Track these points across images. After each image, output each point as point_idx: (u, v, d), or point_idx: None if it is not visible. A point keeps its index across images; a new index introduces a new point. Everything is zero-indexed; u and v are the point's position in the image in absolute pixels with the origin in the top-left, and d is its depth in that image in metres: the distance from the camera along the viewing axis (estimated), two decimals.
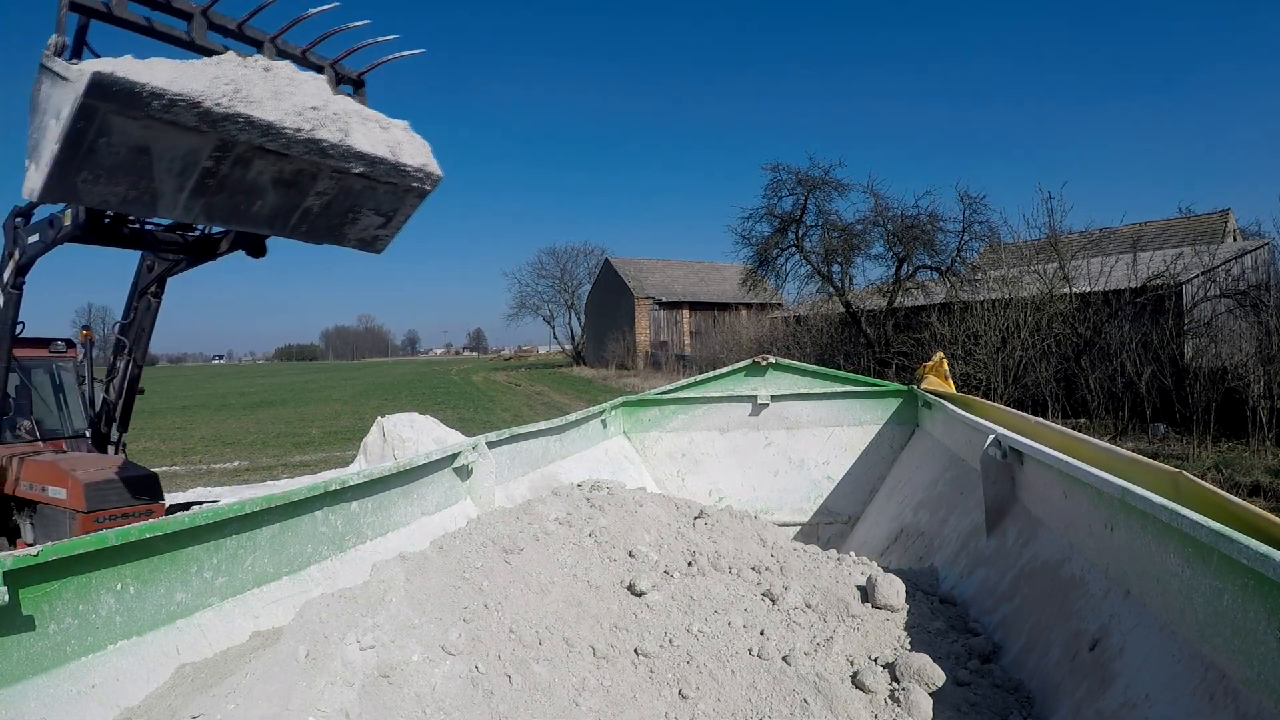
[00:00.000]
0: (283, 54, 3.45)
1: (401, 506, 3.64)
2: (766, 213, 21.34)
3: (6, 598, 2.00)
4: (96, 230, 4.22)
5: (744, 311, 36.69)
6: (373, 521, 3.44)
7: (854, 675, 2.55)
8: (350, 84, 3.73)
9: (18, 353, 6.84)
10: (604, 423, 6.12)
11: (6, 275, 5.01)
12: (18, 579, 2.07)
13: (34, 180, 2.66)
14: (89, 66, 2.53)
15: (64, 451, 6.76)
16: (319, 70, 3.59)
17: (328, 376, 62.95)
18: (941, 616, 3.12)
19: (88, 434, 7.07)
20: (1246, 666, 1.71)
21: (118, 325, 6.57)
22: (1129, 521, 2.33)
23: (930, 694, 2.44)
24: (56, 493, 5.52)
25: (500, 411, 24.70)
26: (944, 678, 2.50)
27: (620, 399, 6.55)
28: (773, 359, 6.44)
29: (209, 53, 3.13)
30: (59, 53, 2.69)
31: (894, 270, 20.49)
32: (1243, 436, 12.62)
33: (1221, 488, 2.41)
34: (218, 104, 2.83)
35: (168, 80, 2.69)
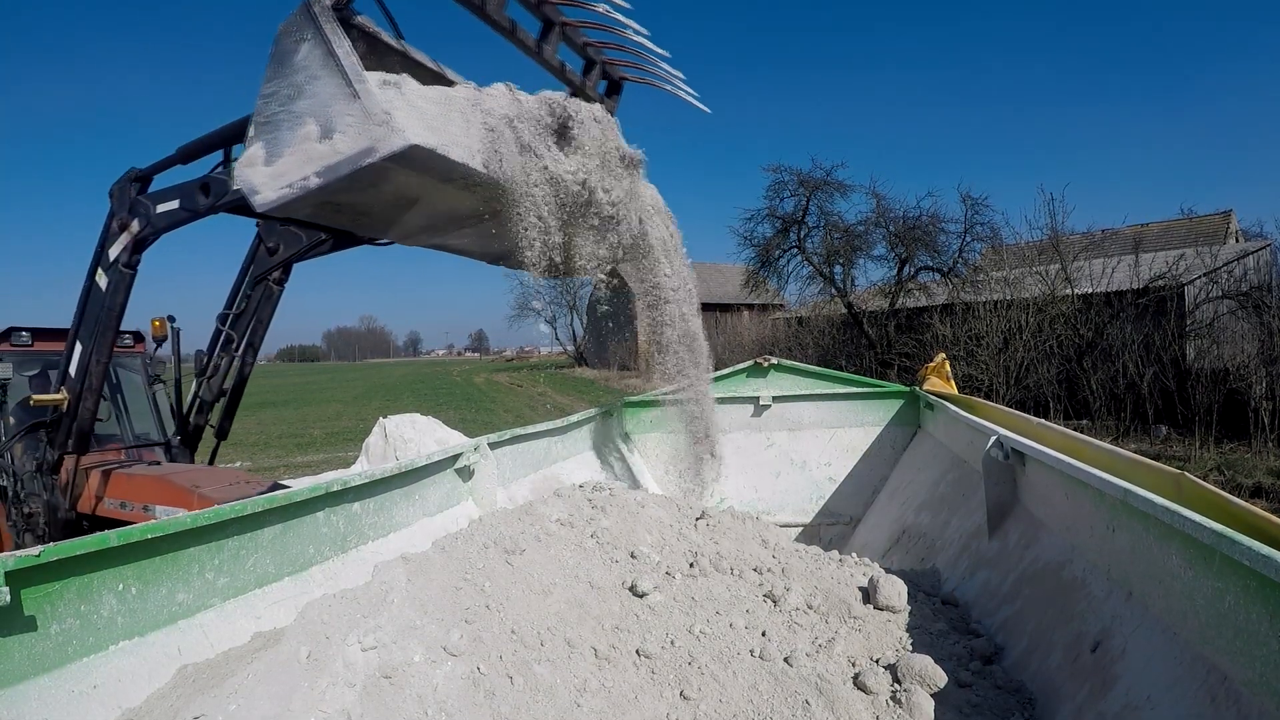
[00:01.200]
0: (567, 41, 3.29)
1: (403, 507, 3.64)
2: (768, 214, 21.36)
3: (8, 598, 2.00)
4: None
5: (746, 313, 36.70)
6: (374, 522, 3.44)
7: (856, 676, 2.55)
8: (609, 83, 3.63)
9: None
10: (605, 424, 6.12)
11: (116, 252, 4.13)
12: (19, 579, 2.07)
13: (265, 187, 2.23)
14: (401, 116, 2.08)
15: (154, 462, 6.07)
16: (591, 64, 3.50)
17: (329, 377, 62.99)
18: (943, 618, 3.12)
19: (174, 440, 6.38)
20: (1249, 668, 1.71)
21: (221, 316, 5.87)
22: (1131, 523, 2.32)
23: (932, 695, 2.44)
24: (171, 514, 4.76)
25: (502, 412, 24.71)
26: (946, 679, 2.50)
27: (622, 400, 6.55)
28: (775, 360, 6.44)
29: (494, 23, 2.83)
30: (339, 4, 2.20)
31: (896, 271, 20.49)
32: (1245, 438, 12.61)
33: (1223, 489, 2.40)
34: (525, 194, 2.58)
35: (485, 159, 2.38)
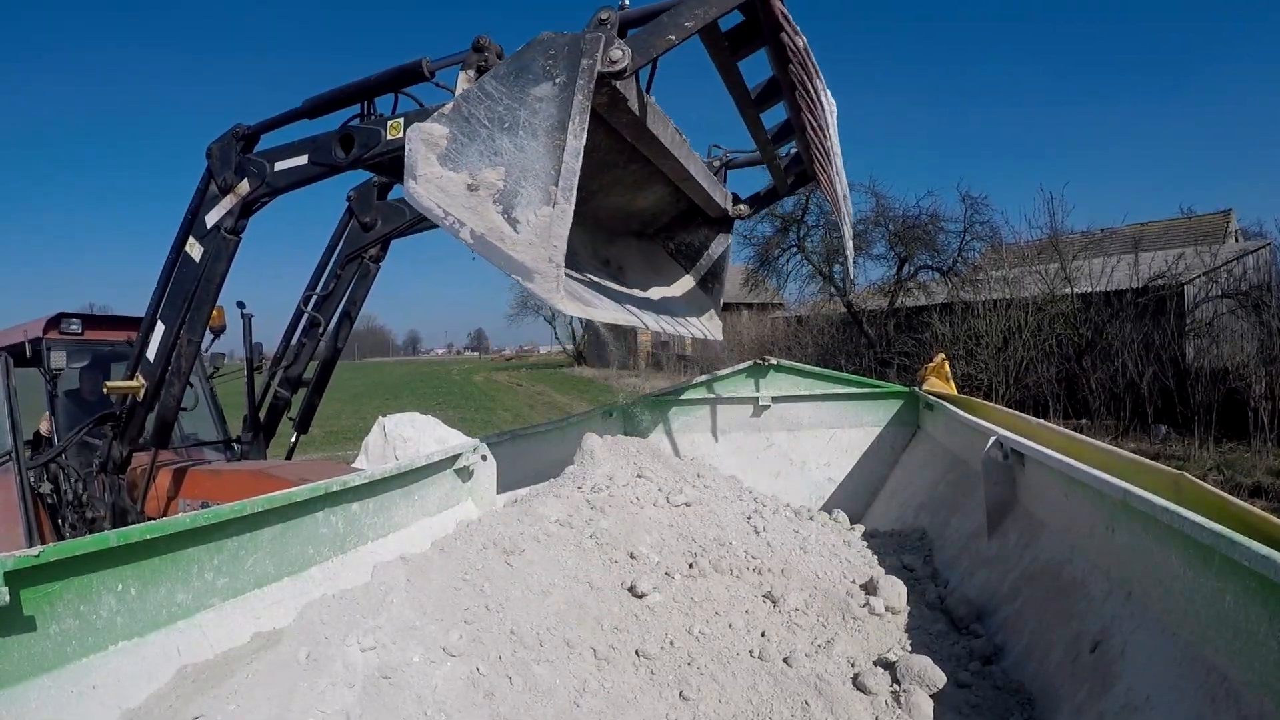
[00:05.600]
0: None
1: (402, 508, 3.64)
2: (767, 213, 21.33)
3: (8, 598, 2.00)
4: None
5: (745, 312, 36.68)
6: (374, 523, 3.43)
7: (855, 677, 2.55)
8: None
9: (121, 337, 5.59)
10: (604, 424, 6.11)
11: (217, 217, 3.73)
12: (19, 579, 2.07)
13: (424, 180, 2.09)
14: (570, 302, 2.15)
15: (201, 460, 5.63)
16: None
17: None
18: (942, 618, 3.12)
19: (245, 437, 5.95)
20: (1248, 669, 1.71)
21: (305, 298, 5.37)
22: (1130, 523, 2.33)
23: (931, 696, 2.44)
24: None
25: (501, 412, 24.71)
26: (945, 679, 2.50)
27: (621, 399, 6.54)
28: (774, 361, 6.43)
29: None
30: (612, 74, 2.04)
31: (895, 270, 20.51)
32: (1244, 437, 12.61)
33: (1223, 489, 2.41)
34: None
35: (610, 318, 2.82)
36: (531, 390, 34.31)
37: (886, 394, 6.14)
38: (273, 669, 2.13)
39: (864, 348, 20.43)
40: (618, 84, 2.17)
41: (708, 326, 3.73)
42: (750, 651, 2.72)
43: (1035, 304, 16.01)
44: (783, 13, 2.34)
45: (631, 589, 3.04)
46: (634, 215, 3.63)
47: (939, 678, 2.49)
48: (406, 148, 2.15)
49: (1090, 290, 15.92)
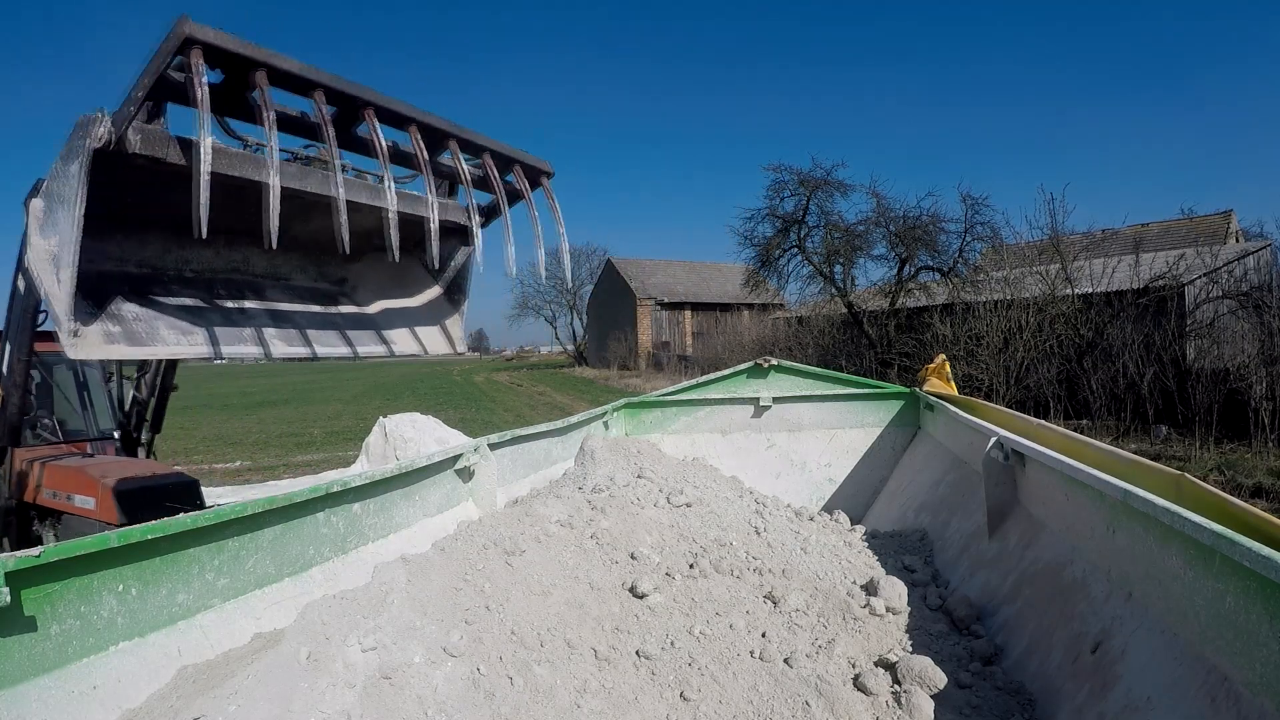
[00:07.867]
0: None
1: (403, 508, 3.64)
2: (769, 213, 21.36)
3: (8, 599, 2.00)
4: None
5: (746, 312, 36.68)
6: (374, 523, 3.44)
7: (855, 677, 2.55)
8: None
9: (38, 347, 6.38)
10: (606, 424, 6.12)
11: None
12: (20, 580, 2.07)
13: (36, 246, 2.46)
14: (82, 340, 2.39)
15: (89, 455, 6.26)
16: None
17: (330, 377, 62.92)
18: (943, 619, 3.12)
19: (115, 435, 6.66)
20: (1249, 669, 1.71)
21: None
22: (1131, 524, 2.33)
23: (932, 696, 2.44)
24: (84, 502, 5.06)
25: (502, 412, 24.70)
26: (945, 680, 2.50)
27: (622, 400, 6.54)
28: (774, 361, 6.44)
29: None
30: (111, 146, 2.29)
31: (896, 271, 20.49)
32: (1245, 438, 12.59)
33: (1223, 489, 2.41)
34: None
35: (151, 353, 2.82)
36: (532, 391, 34.30)
37: (887, 395, 6.14)
38: (273, 669, 2.12)
39: (865, 348, 20.42)
40: (144, 151, 2.41)
41: (445, 337, 3.81)
42: (751, 652, 2.72)
43: (1036, 304, 15.99)
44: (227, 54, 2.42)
45: (632, 589, 3.04)
46: (370, 234, 3.65)
47: (939, 678, 2.49)
48: (26, 219, 2.49)
49: (1091, 291, 15.90)
